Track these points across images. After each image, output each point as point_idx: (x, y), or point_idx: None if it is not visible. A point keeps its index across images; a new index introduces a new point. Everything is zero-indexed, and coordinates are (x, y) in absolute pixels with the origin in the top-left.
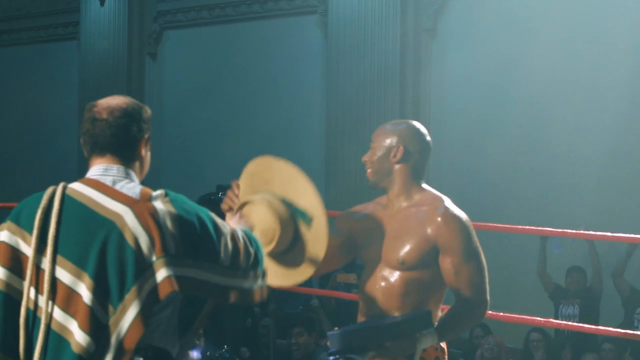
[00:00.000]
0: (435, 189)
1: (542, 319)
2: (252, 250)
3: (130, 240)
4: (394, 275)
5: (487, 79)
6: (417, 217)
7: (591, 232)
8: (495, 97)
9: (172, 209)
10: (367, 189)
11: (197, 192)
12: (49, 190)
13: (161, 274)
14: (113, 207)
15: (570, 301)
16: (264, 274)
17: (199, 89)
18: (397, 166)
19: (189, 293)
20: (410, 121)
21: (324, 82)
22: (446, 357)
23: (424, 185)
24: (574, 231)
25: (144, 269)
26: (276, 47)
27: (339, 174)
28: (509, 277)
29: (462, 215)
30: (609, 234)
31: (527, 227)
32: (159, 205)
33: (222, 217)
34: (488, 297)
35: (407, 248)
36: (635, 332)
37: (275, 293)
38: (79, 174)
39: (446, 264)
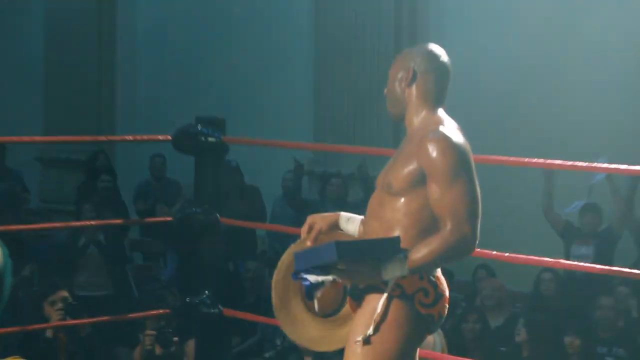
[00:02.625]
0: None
1: (551, 260)
2: None
3: None
4: (384, 200)
5: None
6: (413, 141)
7: (609, 165)
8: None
9: None
10: (356, 123)
11: (173, 122)
12: None
13: None
14: None
15: (583, 240)
16: None
17: (176, 13)
18: (407, 90)
19: None
20: (425, 44)
21: (313, 7)
22: (441, 292)
23: (440, 111)
24: (585, 164)
25: None
26: None
27: (327, 105)
28: (518, 215)
29: (455, 139)
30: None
31: (534, 159)
32: None
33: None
34: (472, 230)
35: (395, 172)
36: None
37: (270, 234)
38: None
39: (430, 189)
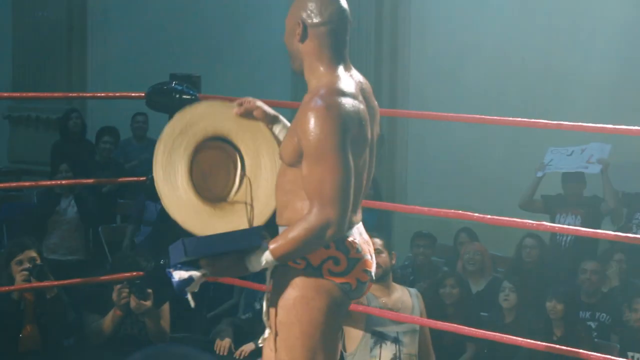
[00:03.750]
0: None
1: (534, 222)
2: None
3: None
4: (284, 170)
5: None
6: (300, 108)
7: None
8: None
9: None
10: None
11: (147, 81)
12: None
13: None
14: None
15: (570, 209)
16: None
17: None
18: (301, 46)
19: None
20: None
21: None
22: (355, 257)
23: (339, 68)
24: (572, 123)
25: None
26: None
27: None
28: (501, 177)
29: (338, 107)
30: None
31: (519, 119)
32: None
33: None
34: (337, 214)
35: (283, 143)
36: (637, 236)
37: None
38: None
39: (302, 165)
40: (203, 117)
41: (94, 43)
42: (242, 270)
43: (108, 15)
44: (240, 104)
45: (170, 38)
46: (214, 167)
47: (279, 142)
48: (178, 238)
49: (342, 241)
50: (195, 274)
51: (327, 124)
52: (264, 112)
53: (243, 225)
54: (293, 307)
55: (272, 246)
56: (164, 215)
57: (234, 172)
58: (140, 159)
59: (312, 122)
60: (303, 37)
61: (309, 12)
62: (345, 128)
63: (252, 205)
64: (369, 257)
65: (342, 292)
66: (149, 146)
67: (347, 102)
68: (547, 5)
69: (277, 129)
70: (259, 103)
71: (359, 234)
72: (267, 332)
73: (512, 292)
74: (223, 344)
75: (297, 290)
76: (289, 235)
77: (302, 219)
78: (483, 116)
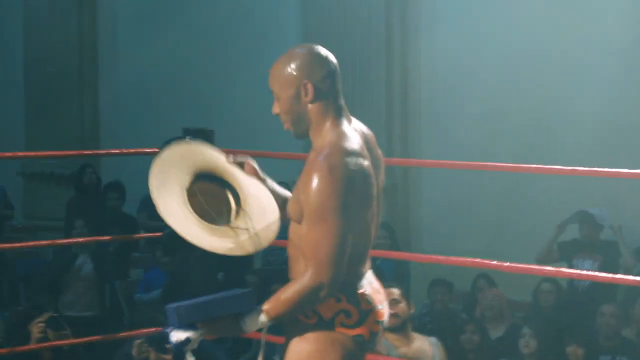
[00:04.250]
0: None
1: (552, 269)
2: None
3: None
4: (293, 225)
5: None
6: (304, 167)
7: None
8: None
9: None
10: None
11: (157, 135)
12: None
13: None
14: None
15: (587, 254)
16: None
17: (157, 20)
18: (310, 107)
19: None
20: (301, 47)
21: (300, 7)
22: (366, 308)
23: (343, 123)
24: (569, 168)
25: None
26: None
27: None
28: (515, 223)
29: (336, 166)
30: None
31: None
32: None
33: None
34: (329, 278)
35: (290, 199)
36: None
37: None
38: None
39: (302, 223)
40: (195, 153)
41: (105, 97)
42: (237, 331)
43: (118, 70)
44: (234, 155)
45: (182, 91)
46: (209, 196)
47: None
48: (194, 288)
49: (353, 293)
50: (192, 334)
51: (328, 187)
52: (254, 169)
53: (246, 243)
54: None
55: (266, 307)
56: (179, 267)
57: (228, 202)
58: None
59: (314, 183)
60: (316, 97)
61: (308, 70)
62: (347, 189)
63: (253, 228)
64: (380, 307)
65: (356, 345)
66: None
67: (351, 161)
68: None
69: (269, 182)
70: (252, 160)
71: (369, 284)
72: None
73: (532, 338)
74: None
75: (310, 344)
76: (282, 297)
77: (295, 280)
78: (493, 163)
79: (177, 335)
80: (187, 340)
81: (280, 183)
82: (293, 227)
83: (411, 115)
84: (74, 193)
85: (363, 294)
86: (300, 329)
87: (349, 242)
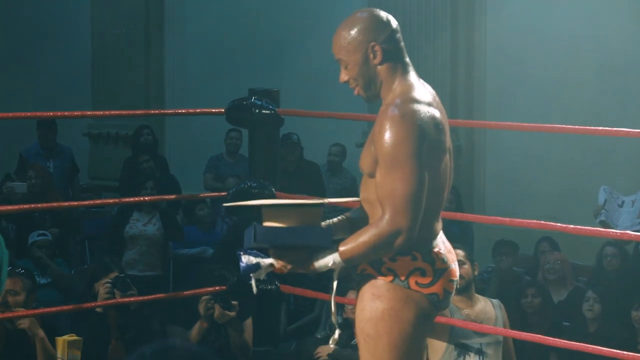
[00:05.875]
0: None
1: (618, 232)
2: None
3: None
4: (366, 182)
5: None
6: (377, 119)
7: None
8: None
9: None
10: None
11: (226, 95)
12: None
13: None
14: None
15: None
16: None
17: None
18: (378, 68)
19: None
20: (361, 12)
21: None
22: (441, 267)
23: (411, 75)
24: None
25: None
26: None
27: None
28: (579, 185)
29: (413, 113)
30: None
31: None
32: None
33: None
34: (408, 223)
35: (362, 155)
36: None
37: None
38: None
39: (376, 172)
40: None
41: (171, 59)
42: (307, 267)
43: (185, 30)
44: None
45: (248, 54)
46: None
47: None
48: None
49: (429, 252)
50: (263, 261)
51: (401, 132)
52: None
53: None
54: (381, 320)
55: (341, 248)
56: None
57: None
58: (235, 175)
59: (387, 131)
60: (385, 58)
61: (372, 33)
62: (420, 135)
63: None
64: (453, 266)
65: (430, 304)
66: (241, 162)
67: (423, 109)
68: None
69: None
70: None
71: (442, 243)
72: (337, 332)
73: (596, 302)
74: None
75: (385, 303)
76: (359, 239)
77: (373, 224)
78: (559, 125)
79: (248, 259)
80: (257, 265)
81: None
82: (365, 186)
83: (476, 84)
84: (130, 154)
85: (438, 253)
86: (375, 287)
87: (425, 188)
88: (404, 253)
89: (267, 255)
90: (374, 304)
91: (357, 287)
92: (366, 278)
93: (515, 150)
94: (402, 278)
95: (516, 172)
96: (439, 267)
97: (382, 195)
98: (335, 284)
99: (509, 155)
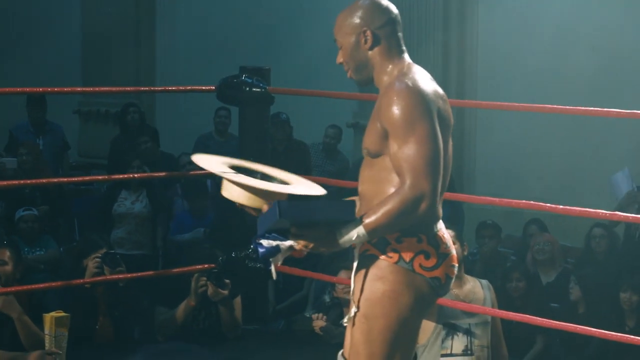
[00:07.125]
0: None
1: (607, 212)
2: None
3: None
4: (371, 163)
5: None
6: (378, 100)
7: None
8: None
9: None
10: None
11: (217, 76)
12: None
13: None
14: None
15: None
16: None
17: None
18: (370, 53)
19: None
20: None
21: None
22: (444, 251)
23: (406, 57)
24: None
25: None
26: None
27: None
28: (569, 166)
29: (415, 87)
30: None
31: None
32: None
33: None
34: (430, 186)
35: (367, 136)
36: None
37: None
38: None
39: (389, 144)
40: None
41: (161, 37)
42: (331, 243)
43: (176, 8)
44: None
45: (237, 30)
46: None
47: None
48: (245, 227)
49: (434, 235)
50: (283, 244)
51: (412, 100)
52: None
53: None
54: (380, 301)
55: (365, 220)
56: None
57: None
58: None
59: (395, 101)
60: (374, 43)
61: (368, 19)
62: (430, 102)
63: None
64: (454, 252)
65: (431, 289)
66: (230, 141)
67: (426, 84)
68: None
69: None
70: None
71: (444, 227)
72: (353, 310)
73: (576, 284)
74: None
75: (387, 284)
76: (382, 209)
77: (395, 193)
78: (552, 105)
79: (268, 242)
80: (277, 248)
81: None
82: (369, 166)
83: (467, 69)
84: (118, 132)
85: (442, 237)
86: (378, 268)
87: (441, 151)
88: (410, 233)
89: (283, 235)
90: (374, 285)
91: (358, 267)
92: (368, 258)
93: (504, 131)
94: (407, 260)
95: (505, 152)
96: (442, 251)
97: (401, 163)
98: (355, 264)
99: (498, 135)
